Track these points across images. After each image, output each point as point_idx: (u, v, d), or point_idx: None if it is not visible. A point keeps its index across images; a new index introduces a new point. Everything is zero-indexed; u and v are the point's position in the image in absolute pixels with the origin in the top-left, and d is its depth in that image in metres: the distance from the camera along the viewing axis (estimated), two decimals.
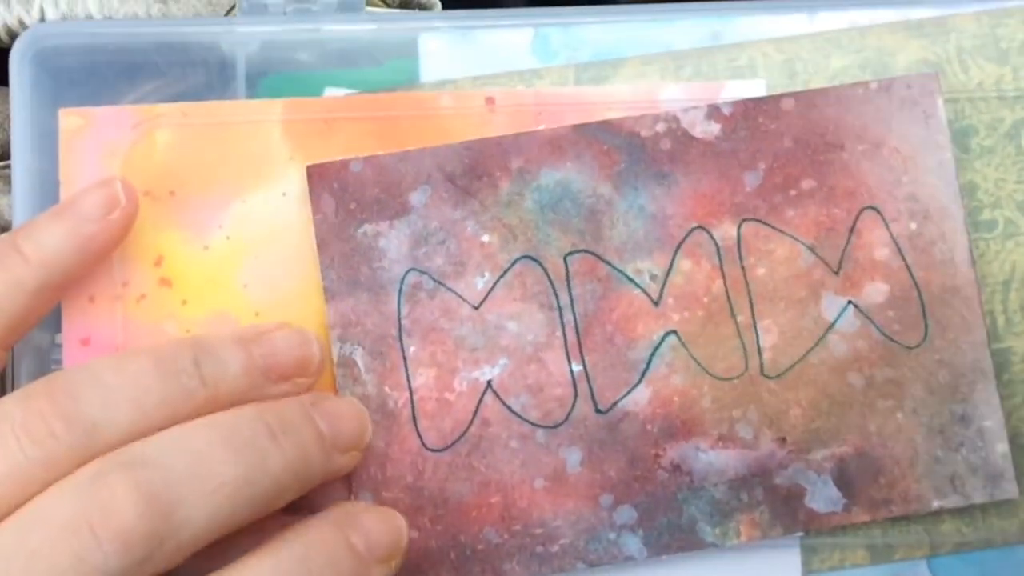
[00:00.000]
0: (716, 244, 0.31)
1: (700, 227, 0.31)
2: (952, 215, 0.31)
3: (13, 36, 0.35)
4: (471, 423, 0.31)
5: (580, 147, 0.31)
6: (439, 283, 0.31)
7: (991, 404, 0.31)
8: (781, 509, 0.31)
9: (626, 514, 0.30)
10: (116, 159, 0.31)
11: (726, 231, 0.31)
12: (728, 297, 0.31)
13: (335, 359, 0.31)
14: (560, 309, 0.31)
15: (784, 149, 0.31)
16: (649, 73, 0.33)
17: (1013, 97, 0.33)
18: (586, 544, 0.30)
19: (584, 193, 0.31)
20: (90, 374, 0.27)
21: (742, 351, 0.31)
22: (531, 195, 0.31)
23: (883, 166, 0.31)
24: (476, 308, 0.31)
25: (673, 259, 0.31)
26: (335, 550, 0.27)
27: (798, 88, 0.32)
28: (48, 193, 0.31)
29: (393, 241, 0.31)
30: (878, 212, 0.31)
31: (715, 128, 0.31)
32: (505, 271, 0.31)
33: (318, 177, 0.31)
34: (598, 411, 0.31)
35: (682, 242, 0.31)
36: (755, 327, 0.31)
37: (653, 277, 0.31)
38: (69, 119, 0.31)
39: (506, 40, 0.33)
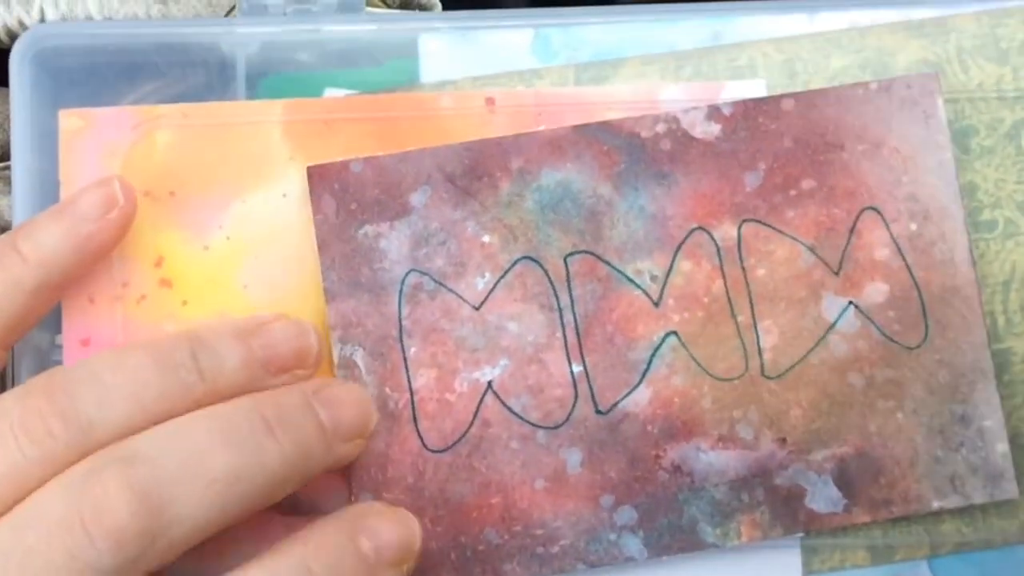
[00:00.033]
0: (716, 244, 0.31)
1: (700, 228, 0.31)
2: (952, 215, 0.31)
3: (13, 37, 0.35)
4: (472, 424, 0.31)
5: (580, 147, 0.31)
6: (440, 284, 0.31)
7: (991, 404, 0.31)
8: (781, 509, 0.31)
9: (626, 515, 0.30)
10: (116, 160, 0.31)
11: (726, 231, 0.31)
12: (728, 298, 0.31)
13: (336, 360, 0.31)
14: (560, 310, 0.31)
15: (784, 149, 0.31)
16: (649, 73, 0.33)
17: (1013, 97, 0.33)
18: (586, 545, 0.30)
19: (584, 194, 0.31)
20: (88, 371, 0.27)
21: (742, 352, 0.31)
22: (531, 196, 0.31)
23: (883, 166, 0.31)
24: (477, 309, 0.31)
25: (673, 260, 0.31)
26: (340, 554, 0.27)
27: (798, 88, 0.32)
28: (48, 194, 0.31)
29: (394, 242, 0.31)
30: (878, 212, 0.31)
31: (715, 128, 0.31)
32: (505, 272, 0.31)
33: (318, 178, 0.31)
34: (598, 412, 0.31)
35: (682, 243, 0.31)
36: (755, 328, 0.31)
37: (653, 278, 0.31)
38: (69, 120, 0.31)
39: (506, 40, 0.33)
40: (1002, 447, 0.31)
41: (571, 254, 0.31)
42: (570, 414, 0.31)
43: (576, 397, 0.31)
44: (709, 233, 0.31)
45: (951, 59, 0.33)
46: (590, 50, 0.33)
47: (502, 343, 0.31)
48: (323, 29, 0.33)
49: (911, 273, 0.31)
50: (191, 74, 0.33)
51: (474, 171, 0.31)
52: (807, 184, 0.31)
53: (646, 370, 0.31)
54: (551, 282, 0.31)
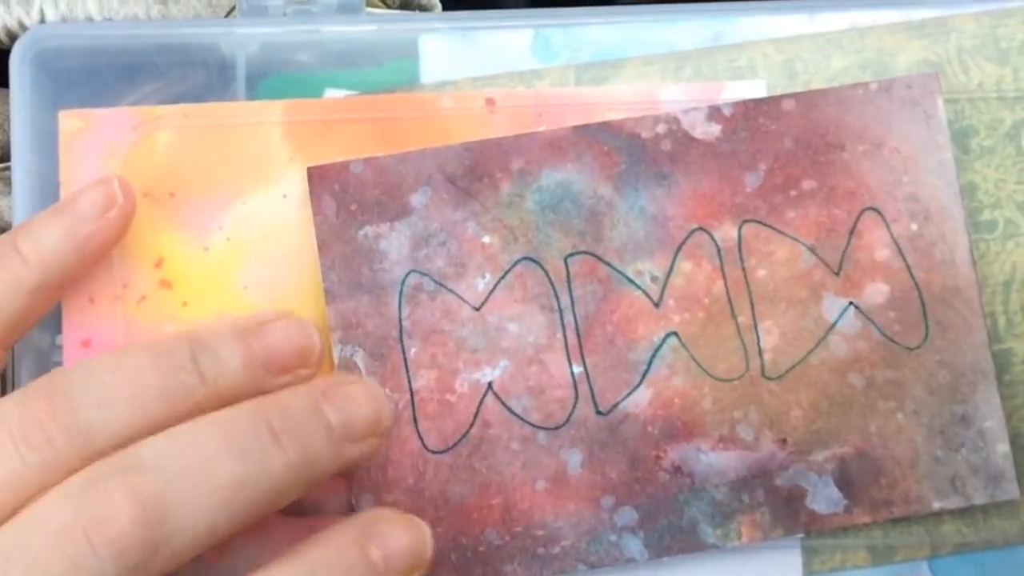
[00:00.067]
0: (717, 245, 0.31)
1: (701, 228, 0.31)
2: (952, 216, 0.31)
3: (13, 37, 0.35)
4: (472, 425, 0.31)
5: (581, 148, 0.31)
6: (440, 284, 0.31)
7: (992, 405, 0.31)
8: (782, 510, 0.31)
9: (627, 515, 0.30)
10: (116, 160, 0.31)
11: (727, 232, 0.31)
12: (729, 298, 0.31)
13: (336, 361, 0.31)
14: (561, 310, 0.31)
15: (784, 150, 0.31)
16: (649, 74, 0.33)
17: (1013, 97, 0.33)
18: (587, 546, 0.30)
19: (585, 194, 0.31)
20: (87, 373, 0.27)
21: (743, 352, 0.31)
22: (532, 196, 0.31)
23: (883, 167, 0.31)
24: (477, 309, 0.31)
25: (674, 260, 0.31)
26: (349, 562, 0.26)
27: (798, 89, 0.32)
28: (48, 195, 0.31)
29: (394, 243, 0.31)
30: (879, 213, 0.31)
31: (715, 129, 0.31)
32: (506, 272, 0.31)
33: (319, 179, 0.31)
34: (599, 412, 0.31)
35: (683, 243, 0.31)
36: (756, 328, 0.31)
37: (654, 278, 0.31)
38: (69, 121, 0.31)
39: (506, 41, 0.33)
40: (1003, 448, 0.31)
41: (571, 255, 0.31)
42: (570, 415, 0.31)
43: (576, 398, 0.31)
44: (709, 234, 0.31)
45: (951, 59, 0.33)
46: (590, 50, 0.33)
47: (502, 344, 0.31)
48: (323, 30, 0.33)
49: (911, 274, 0.31)
50: (191, 75, 0.33)
51: (474, 172, 0.31)
52: (807, 184, 0.31)
53: (646, 371, 0.31)
54: (551, 283, 0.31)
